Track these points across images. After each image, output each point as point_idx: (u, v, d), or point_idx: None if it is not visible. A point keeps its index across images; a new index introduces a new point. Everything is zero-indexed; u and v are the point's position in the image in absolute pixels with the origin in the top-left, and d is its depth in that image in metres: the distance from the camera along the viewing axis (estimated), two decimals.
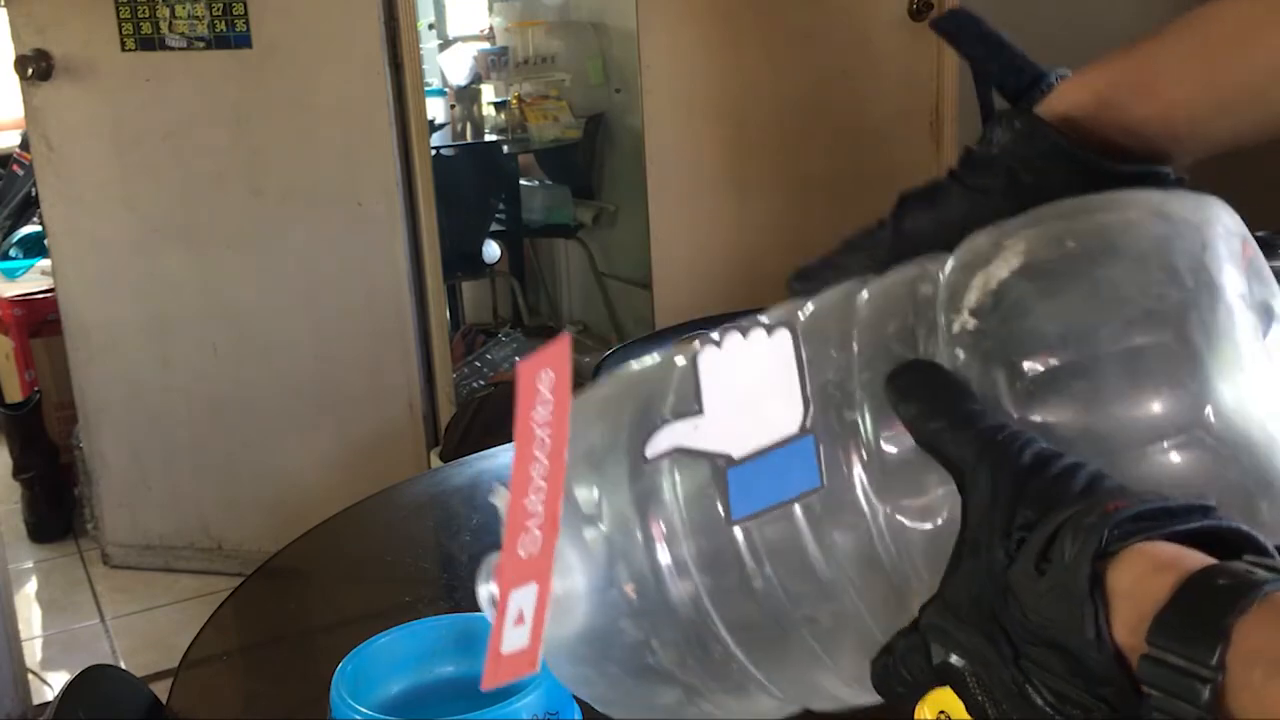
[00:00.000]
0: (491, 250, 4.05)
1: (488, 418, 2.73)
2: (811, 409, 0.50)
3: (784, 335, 0.53)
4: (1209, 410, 0.44)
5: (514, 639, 0.49)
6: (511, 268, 4.20)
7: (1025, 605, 0.41)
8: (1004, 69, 0.63)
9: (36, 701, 2.32)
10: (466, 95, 4.24)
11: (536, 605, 0.49)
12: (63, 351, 2.92)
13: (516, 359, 3.41)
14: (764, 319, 0.55)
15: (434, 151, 2.97)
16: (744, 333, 0.54)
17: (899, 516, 0.48)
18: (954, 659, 0.44)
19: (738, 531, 0.50)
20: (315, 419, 2.82)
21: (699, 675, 0.53)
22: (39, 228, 3.52)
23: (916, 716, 0.75)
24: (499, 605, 0.50)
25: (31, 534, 3.19)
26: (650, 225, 2.89)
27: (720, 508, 0.51)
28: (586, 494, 0.54)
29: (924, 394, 0.47)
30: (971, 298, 0.48)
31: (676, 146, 2.84)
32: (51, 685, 2.56)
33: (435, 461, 2.74)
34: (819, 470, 0.49)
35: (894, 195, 0.62)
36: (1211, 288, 0.46)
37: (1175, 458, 0.45)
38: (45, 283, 3.25)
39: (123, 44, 2.67)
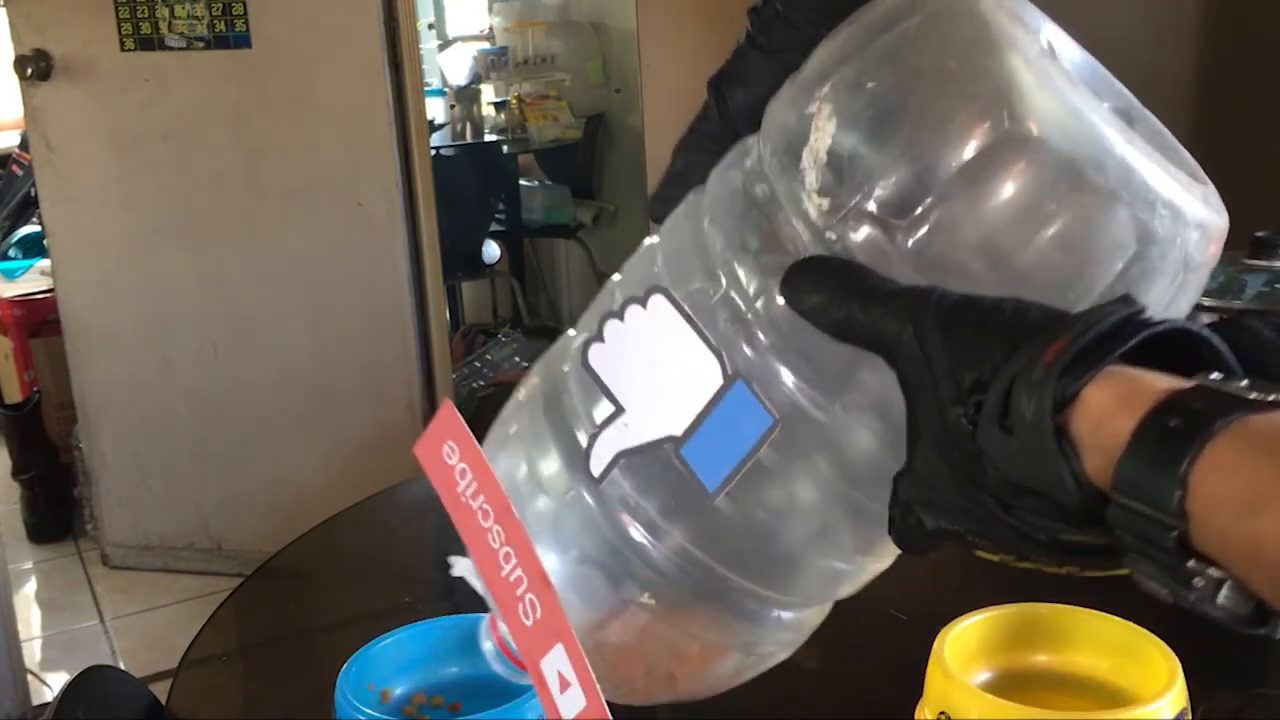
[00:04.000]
0: (491, 250, 4.05)
1: (488, 418, 2.72)
2: (724, 354, 0.49)
3: (659, 300, 0.51)
4: (1075, 163, 0.45)
5: (571, 704, 0.47)
6: (511, 268, 4.20)
7: (1001, 465, 0.41)
8: None
9: (36, 702, 2.32)
10: (466, 95, 4.24)
11: (574, 662, 0.47)
12: (62, 351, 2.92)
13: (517, 359, 3.42)
14: (629, 291, 0.53)
15: (434, 151, 2.97)
16: (619, 316, 0.53)
17: (854, 408, 0.48)
18: (945, 524, 0.44)
19: (720, 500, 0.50)
20: (315, 419, 2.81)
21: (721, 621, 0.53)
22: (39, 228, 3.52)
23: (916, 716, 0.74)
24: (537, 683, 0.48)
25: (31, 534, 3.19)
26: (650, 225, 2.89)
27: (693, 487, 0.50)
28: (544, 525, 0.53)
29: (819, 287, 0.46)
30: (811, 179, 0.47)
31: None
32: (51, 686, 2.56)
33: None
34: (764, 407, 0.48)
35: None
36: (1007, 56, 0.46)
37: (1056, 228, 0.45)
38: (45, 283, 3.25)
39: (122, 44, 2.67)
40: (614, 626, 0.52)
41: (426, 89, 2.83)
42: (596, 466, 0.51)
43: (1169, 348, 0.41)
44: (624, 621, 0.52)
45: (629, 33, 3.04)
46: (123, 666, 2.54)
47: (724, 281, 0.50)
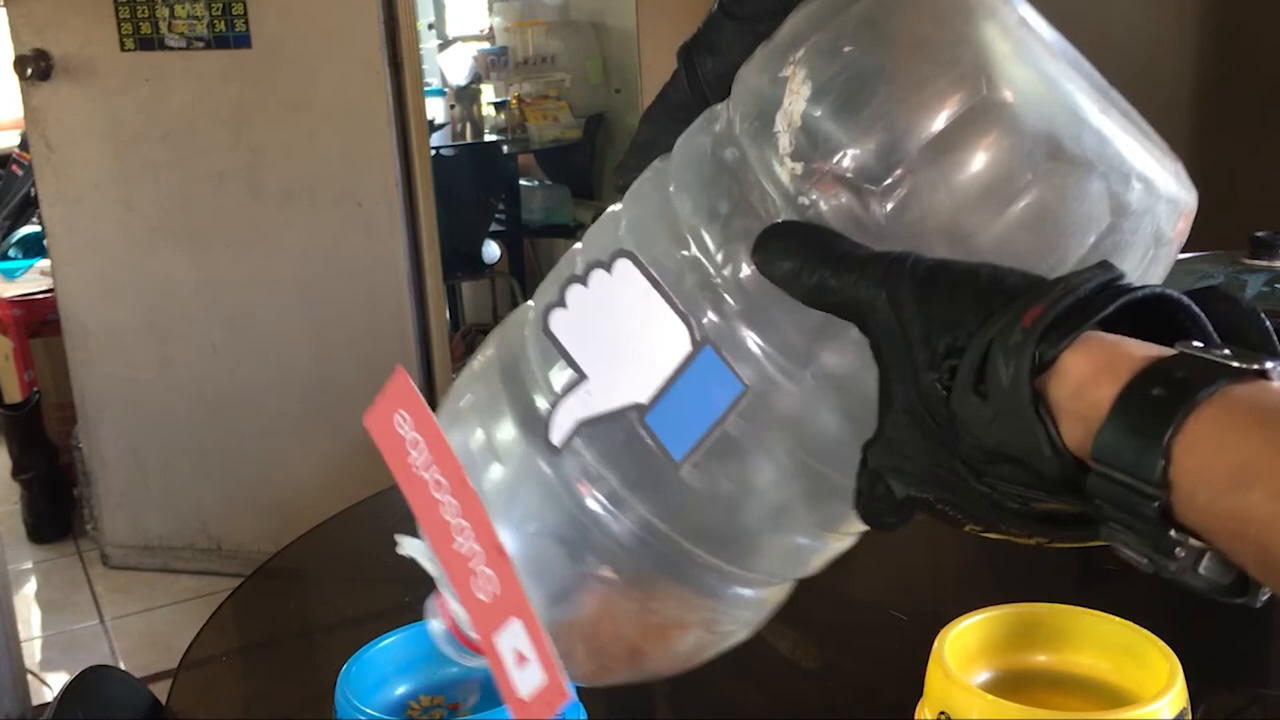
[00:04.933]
0: (491, 250, 4.05)
1: None
2: (692, 320, 0.48)
3: (624, 264, 0.50)
4: (1051, 134, 0.44)
5: (528, 680, 0.46)
6: (511, 268, 4.20)
7: (976, 431, 0.41)
8: None
9: (36, 702, 2.32)
10: (466, 95, 4.24)
11: (532, 637, 0.46)
12: (62, 351, 2.92)
13: None
14: (591, 256, 0.51)
15: (434, 151, 2.97)
16: (583, 281, 0.51)
17: (825, 376, 0.47)
18: (915, 492, 0.43)
19: (686, 470, 0.48)
20: (315, 419, 2.82)
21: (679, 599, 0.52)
22: (39, 228, 3.52)
23: (916, 716, 0.74)
24: (492, 660, 0.47)
25: (31, 534, 3.19)
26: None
27: (658, 456, 0.48)
28: (499, 494, 0.52)
29: (791, 253, 0.45)
30: (784, 143, 0.47)
31: None
32: (51, 686, 2.56)
33: None
34: (734, 374, 0.47)
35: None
36: (985, 24, 0.46)
37: (1031, 197, 0.45)
38: (45, 283, 3.25)
39: (122, 44, 2.67)
40: (572, 601, 0.51)
41: (426, 89, 2.83)
42: (557, 435, 0.50)
43: (1145, 315, 0.41)
44: (583, 596, 0.51)
45: (629, 33, 3.04)
46: (123, 666, 2.54)
47: (692, 247, 0.49)
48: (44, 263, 3.37)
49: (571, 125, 4.11)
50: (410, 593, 1.16)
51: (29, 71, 2.68)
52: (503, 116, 4.25)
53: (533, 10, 4.24)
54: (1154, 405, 0.37)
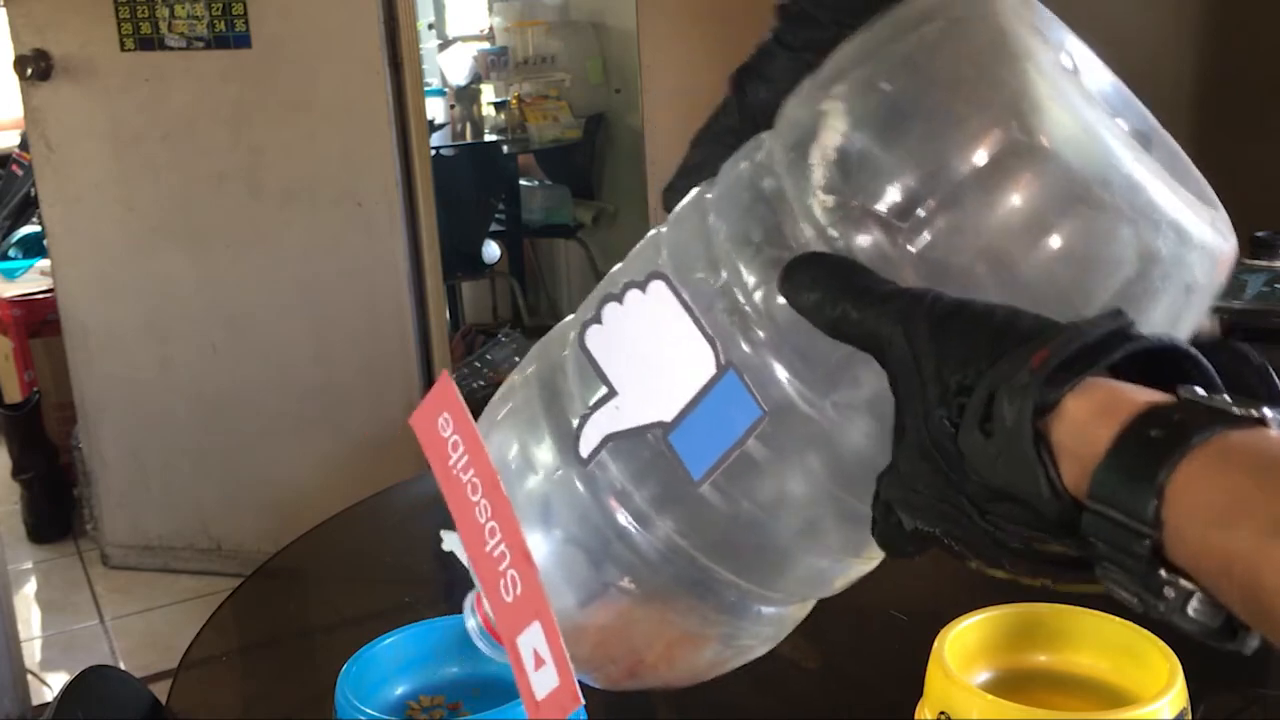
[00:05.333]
0: (491, 250, 4.05)
1: None
2: (719, 344, 0.49)
3: (659, 286, 0.51)
4: (1090, 176, 0.45)
5: (544, 682, 0.47)
6: (511, 268, 4.20)
7: (980, 469, 0.41)
8: None
9: (36, 702, 2.32)
10: (466, 95, 4.24)
11: (550, 641, 0.47)
12: (62, 352, 2.92)
13: (517, 359, 3.43)
14: (630, 275, 0.53)
15: (434, 151, 2.97)
16: (619, 299, 0.53)
17: (845, 406, 0.47)
18: (922, 525, 0.44)
19: (706, 489, 0.50)
20: (315, 419, 2.81)
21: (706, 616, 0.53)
22: (39, 228, 3.52)
23: (916, 716, 0.74)
24: (513, 660, 0.49)
25: (31, 534, 3.19)
26: (650, 225, 2.89)
27: (679, 474, 0.50)
28: (531, 501, 0.53)
29: (817, 284, 0.46)
30: (818, 176, 0.47)
31: (676, 146, 2.83)
32: (51, 686, 2.56)
33: None
34: (754, 399, 0.48)
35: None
36: (1023, 66, 0.46)
37: (1061, 238, 0.45)
38: (45, 283, 3.25)
39: (122, 44, 2.67)
40: (593, 609, 0.52)
41: (426, 89, 2.83)
42: (585, 448, 0.52)
43: (1155, 363, 0.41)
44: (603, 604, 0.52)
45: (629, 33, 3.04)
46: (123, 666, 2.54)
47: (724, 272, 0.49)
48: (44, 263, 3.36)
49: (571, 125, 4.11)
50: (410, 593, 1.16)
51: (29, 71, 2.68)
52: (503, 116, 4.24)
53: (533, 10, 4.24)
54: (1150, 446, 0.38)
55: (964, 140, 0.45)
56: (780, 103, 0.52)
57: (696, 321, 0.50)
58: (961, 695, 0.70)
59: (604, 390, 0.52)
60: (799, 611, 0.56)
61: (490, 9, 4.46)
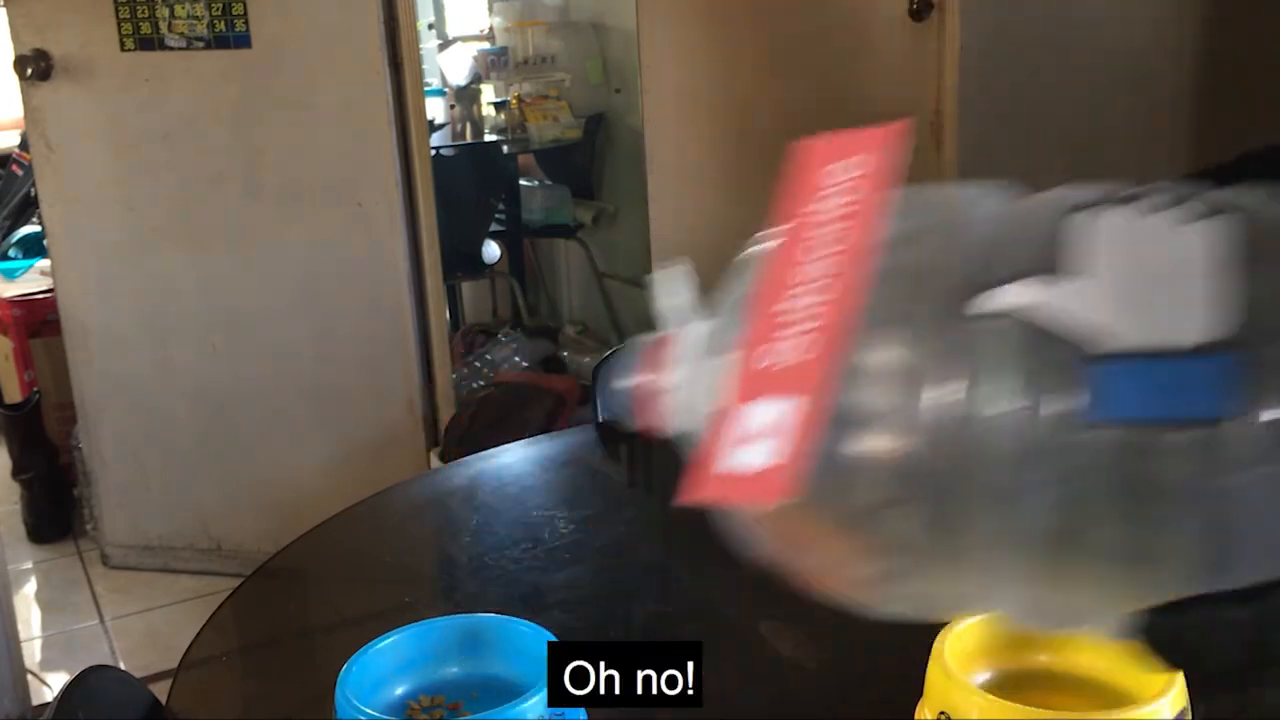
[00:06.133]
0: (491, 250, 4.05)
1: (487, 418, 2.73)
2: (1244, 323, 0.40)
3: (1214, 224, 0.42)
4: None
5: (745, 457, 0.40)
6: (511, 268, 4.20)
7: None
8: None
9: (36, 702, 2.32)
10: (466, 95, 4.23)
11: (793, 423, 0.39)
12: (62, 351, 2.92)
13: (517, 359, 3.43)
14: (1181, 190, 0.44)
15: (434, 151, 2.97)
16: (1157, 208, 0.44)
17: None
18: None
19: (1085, 433, 0.41)
20: (315, 419, 2.82)
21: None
22: (39, 228, 3.52)
23: (916, 716, 0.74)
24: (717, 423, 0.41)
25: (31, 534, 3.19)
26: (650, 225, 2.89)
27: (1066, 398, 0.41)
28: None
29: None
30: None
31: (676, 146, 2.84)
32: (51, 686, 2.56)
33: (435, 462, 2.74)
34: (1234, 400, 0.40)
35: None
36: None
37: None
38: (45, 283, 3.25)
39: (122, 44, 2.67)
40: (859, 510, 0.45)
41: (426, 89, 2.83)
42: (987, 303, 0.43)
43: None
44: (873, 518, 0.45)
45: (629, 33, 3.04)
46: (123, 666, 2.54)
47: None
48: (44, 263, 3.36)
49: (571, 125, 4.10)
50: (410, 593, 1.16)
51: (29, 71, 2.68)
52: (503, 116, 4.24)
53: (533, 10, 4.24)
54: None
55: None
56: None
57: (1228, 284, 0.41)
58: (961, 695, 0.69)
59: (1063, 268, 0.43)
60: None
61: (490, 9, 4.45)
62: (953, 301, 0.43)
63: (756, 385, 0.41)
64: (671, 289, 0.49)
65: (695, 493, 0.41)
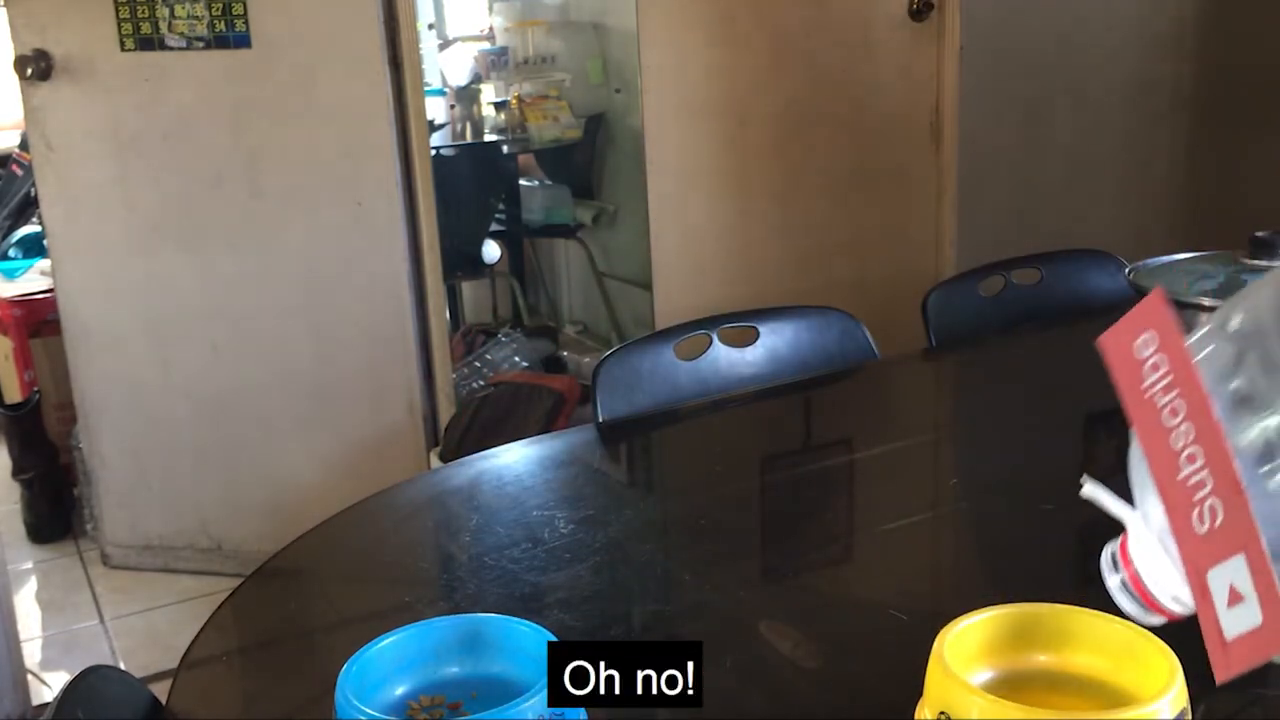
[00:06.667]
0: (491, 250, 4.05)
1: (487, 418, 2.73)
2: None
3: None
4: None
5: (1239, 621, 0.43)
6: (511, 268, 4.20)
7: None
8: None
9: (36, 702, 2.32)
10: (466, 95, 4.23)
11: (1256, 576, 0.43)
12: (62, 352, 2.92)
13: (517, 359, 3.43)
14: None
15: (434, 151, 2.97)
16: None
17: None
18: None
19: None
20: (315, 419, 2.82)
21: None
22: (39, 228, 3.52)
23: (916, 716, 0.74)
24: (1199, 596, 0.44)
25: (31, 534, 3.19)
26: (650, 225, 2.89)
27: None
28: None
29: None
30: None
31: (676, 146, 2.84)
32: (51, 686, 2.56)
33: (435, 461, 2.74)
34: None
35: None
36: None
37: None
38: (45, 283, 3.25)
39: (122, 44, 2.67)
40: None
41: (426, 89, 2.83)
42: None
43: None
44: None
45: (629, 33, 3.04)
46: (123, 666, 2.54)
47: None
48: (44, 263, 3.37)
49: (571, 125, 4.10)
50: (410, 593, 1.16)
51: (29, 71, 2.68)
52: (503, 116, 4.24)
53: (533, 10, 4.24)
54: None
55: None
56: None
57: None
58: (961, 695, 0.69)
59: None
60: None
61: (490, 9, 4.45)
62: None
63: (1205, 550, 0.45)
64: (1100, 496, 0.50)
65: (1228, 669, 0.45)
